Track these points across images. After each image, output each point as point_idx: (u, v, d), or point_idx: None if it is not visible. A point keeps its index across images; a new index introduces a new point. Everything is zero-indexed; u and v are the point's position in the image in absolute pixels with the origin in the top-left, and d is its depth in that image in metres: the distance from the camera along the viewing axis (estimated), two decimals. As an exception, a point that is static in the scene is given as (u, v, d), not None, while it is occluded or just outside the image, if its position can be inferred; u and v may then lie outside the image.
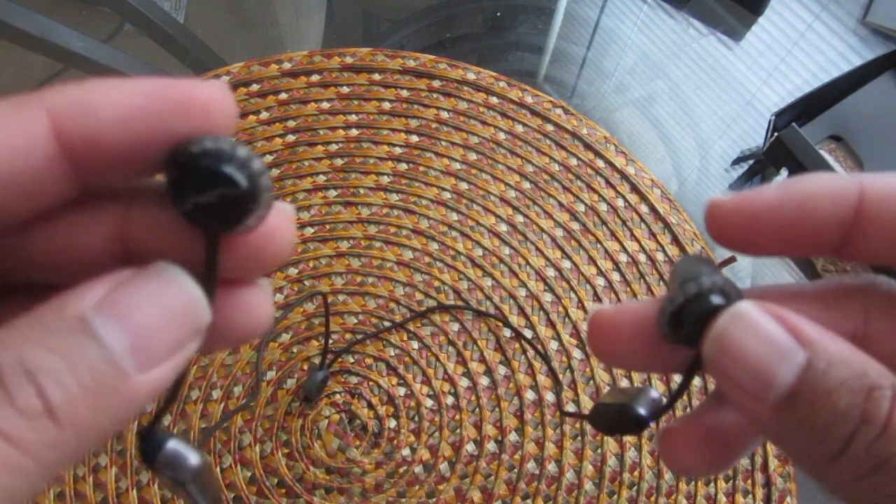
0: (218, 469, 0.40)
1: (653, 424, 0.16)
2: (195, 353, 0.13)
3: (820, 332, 0.13)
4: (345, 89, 0.51)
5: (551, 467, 0.41)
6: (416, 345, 0.43)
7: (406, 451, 0.41)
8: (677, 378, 0.43)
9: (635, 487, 0.40)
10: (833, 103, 0.52)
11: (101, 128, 0.12)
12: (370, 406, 0.42)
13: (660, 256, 0.47)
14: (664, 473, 0.41)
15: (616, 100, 0.57)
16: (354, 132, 0.50)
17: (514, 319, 0.44)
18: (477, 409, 0.42)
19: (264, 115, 0.50)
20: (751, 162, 0.54)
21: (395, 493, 0.40)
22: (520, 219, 0.48)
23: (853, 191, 0.14)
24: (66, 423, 0.11)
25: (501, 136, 0.50)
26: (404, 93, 0.51)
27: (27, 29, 0.52)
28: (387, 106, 0.51)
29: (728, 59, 0.58)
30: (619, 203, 0.48)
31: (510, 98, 0.52)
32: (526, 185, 0.49)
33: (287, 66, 0.52)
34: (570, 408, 0.42)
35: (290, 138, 0.50)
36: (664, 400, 0.16)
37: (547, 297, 0.45)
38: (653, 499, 0.40)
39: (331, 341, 0.43)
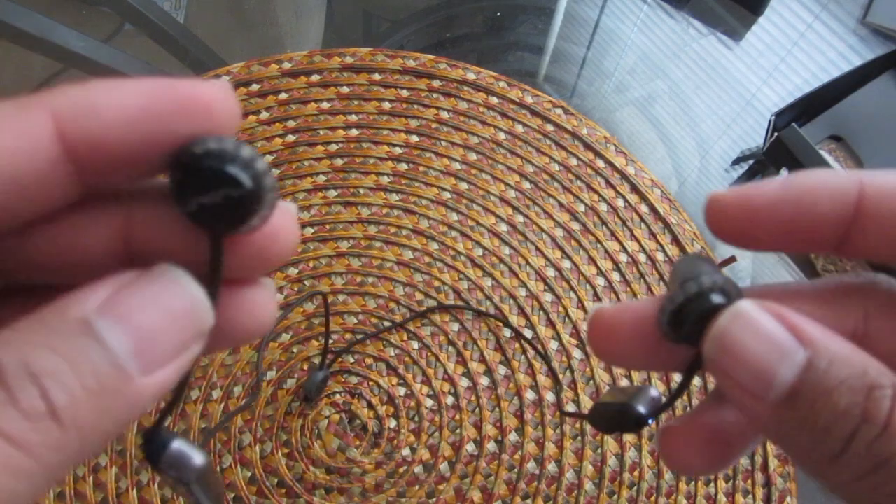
0: (218, 469, 0.40)
1: (652, 423, 0.16)
2: (198, 355, 0.13)
3: (820, 330, 0.13)
4: (345, 89, 0.51)
5: (551, 467, 0.41)
6: (416, 345, 0.43)
7: (406, 451, 0.41)
8: (677, 378, 0.43)
9: (635, 487, 0.40)
10: (833, 103, 0.52)
11: (104, 129, 0.12)
12: (370, 406, 0.42)
13: (660, 256, 0.47)
14: (664, 473, 0.41)
15: (616, 100, 0.57)
16: (354, 132, 0.50)
17: (514, 319, 0.44)
18: (477, 409, 0.42)
19: (264, 115, 0.50)
20: (751, 162, 0.54)
21: (395, 493, 0.40)
22: (520, 219, 0.48)
23: (853, 187, 0.14)
24: (70, 426, 0.11)
25: (501, 136, 0.50)
26: (404, 93, 0.51)
27: (27, 29, 0.52)
28: (387, 106, 0.51)
29: (728, 59, 0.58)
30: (619, 203, 0.48)
31: (510, 98, 0.52)
32: (526, 185, 0.49)
33: (287, 66, 0.52)
34: (570, 408, 0.42)
35: (290, 138, 0.50)
36: (663, 399, 0.16)
37: (547, 297, 0.45)
38: (653, 499, 0.40)
39: (331, 341, 0.43)
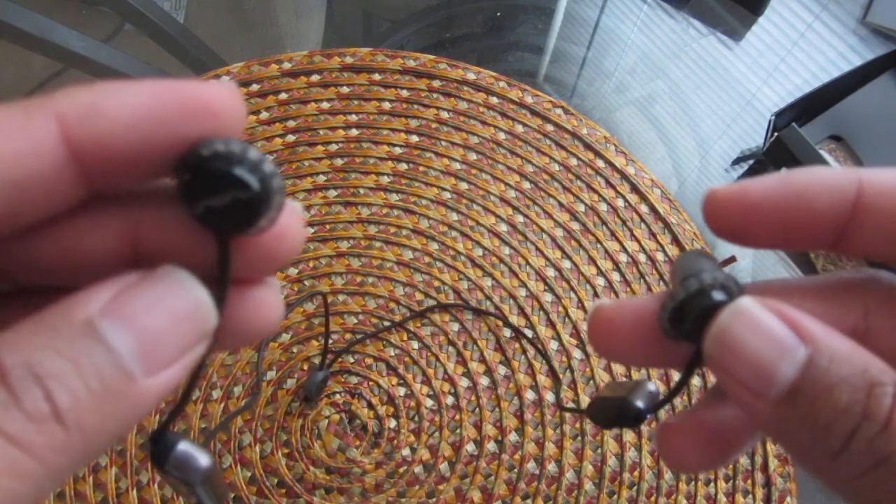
0: (218, 469, 0.40)
1: (651, 418, 0.16)
2: (207, 356, 0.13)
3: (821, 328, 0.13)
4: (345, 89, 0.51)
5: (551, 467, 0.41)
6: (416, 345, 0.43)
7: (406, 451, 0.41)
8: (676, 376, 0.42)
9: (635, 487, 0.40)
10: (833, 103, 0.52)
11: (109, 132, 0.12)
12: (370, 406, 0.42)
13: (660, 256, 0.47)
14: (664, 473, 0.41)
15: (616, 100, 0.57)
16: (354, 132, 0.50)
17: (514, 319, 0.44)
18: (477, 409, 0.42)
19: (264, 115, 0.50)
20: (751, 162, 0.54)
21: (395, 493, 0.40)
22: (520, 219, 0.48)
23: (851, 184, 0.14)
24: (74, 427, 0.11)
25: (501, 136, 0.50)
26: (404, 93, 0.51)
27: (27, 29, 0.52)
28: (387, 106, 0.51)
29: (728, 59, 0.58)
30: (619, 203, 0.48)
31: (510, 98, 0.52)
32: (526, 185, 0.49)
33: (287, 66, 0.52)
34: (570, 414, 0.42)
35: (290, 138, 0.50)
36: (662, 393, 0.16)
37: (547, 297, 0.45)
38: (653, 499, 0.40)
39: (331, 341, 0.43)
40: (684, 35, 0.60)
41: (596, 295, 0.46)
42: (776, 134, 0.49)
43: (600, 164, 0.50)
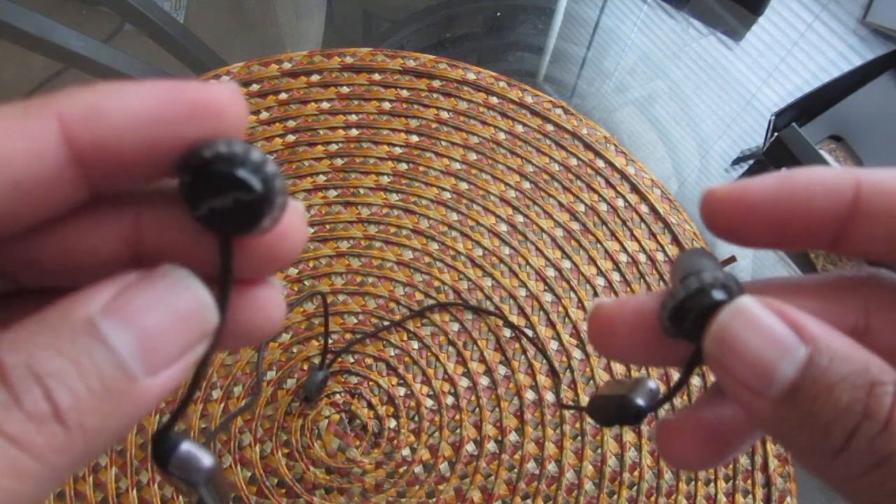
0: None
1: (651, 416, 0.16)
2: (211, 356, 0.13)
3: (822, 327, 0.13)
4: (345, 89, 0.51)
5: (551, 467, 0.41)
6: (416, 345, 0.43)
7: (406, 451, 0.41)
8: (676, 376, 0.42)
9: (635, 487, 0.40)
10: (833, 103, 0.52)
11: (111, 133, 0.12)
12: (370, 406, 0.42)
13: (660, 256, 0.47)
14: (664, 473, 0.41)
15: (616, 100, 0.57)
16: (354, 132, 0.50)
17: (514, 319, 0.44)
18: (477, 409, 0.42)
19: (264, 115, 0.50)
20: (751, 162, 0.54)
21: (395, 493, 0.40)
22: (520, 219, 0.48)
23: (849, 184, 0.14)
24: (75, 427, 0.11)
25: (501, 136, 0.50)
26: (404, 93, 0.51)
27: (27, 29, 0.52)
28: (387, 106, 0.51)
29: (728, 59, 0.58)
30: (619, 203, 0.48)
31: (510, 98, 0.52)
32: (526, 185, 0.49)
33: (287, 66, 0.52)
34: (570, 412, 0.42)
35: (290, 138, 0.50)
36: (661, 391, 0.16)
37: (547, 297, 0.45)
38: (653, 499, 0.40)
39: (331, 341, 0.43)
40: (684, 35, 0.60)
41: (596, 295, 0.46)
42: (776, 134, 0.49)
43: (600, 164, 0.50)
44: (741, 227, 0.15)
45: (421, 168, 0.49)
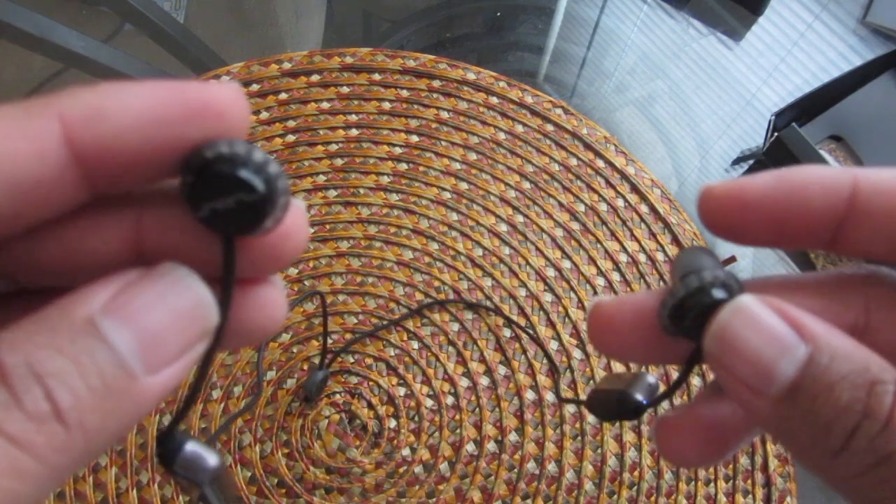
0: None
1: (651, 412, 0.16)
2: (212, 356, 0.13)
3: (822, 326, 0.13)
4: (345, 89, 0.51)
5: (551, 467, 0.41)
6: (416, 345, 0.43)
7: (406, 451, 0.41)
8: (675, 375, 0.42)
9: (635, 487, 0.40)
10: (833, 103, 0.52)
11: (113, 135, 0.11)
12: (370, 406, 0.42)
13: (660, 256, 0.47)
14: (664, 473, 0.41)
15: (616, 100, 0.57)
16: (354, 132, 0.50)
17: (514, 319, 0.44)
18: (477, 409, 0.42)
19: (264, 115, 0.50)
20: (751, 162, 0.54)
21: (395, 493, 0.40)
22: (520, 219, 0.47)
23: (846, 183, 0.14)
24: (75, 427, 0.11)
25: (501, 136, 0.50)
26: (404, 93, 0.51)
27: (27, 29, 0.52)
28: (387, 106, 0.51)
29: (728, 59, 0.58)
30: (619, 203, 0.48)
31: (510, 98, 0.52)
32: (526, 185, 0.49)
33: (287, 66, 0.52)
34: (570, 412, 0.42)
35: (290, 138, 0.50)
36: (661, 386, 0.16)
37: (547, 297, 0.45)
38: (653, 499, 0.40)
39: (331, 341, 0.43)
40: (684, 35, 0.60)
41: (596, 295, 0.46)
42: (776, 134, 0.49)
43: (600, 164, 0.50)
44: (738, 224, 0.15)
45: (421, 168, 0.49)
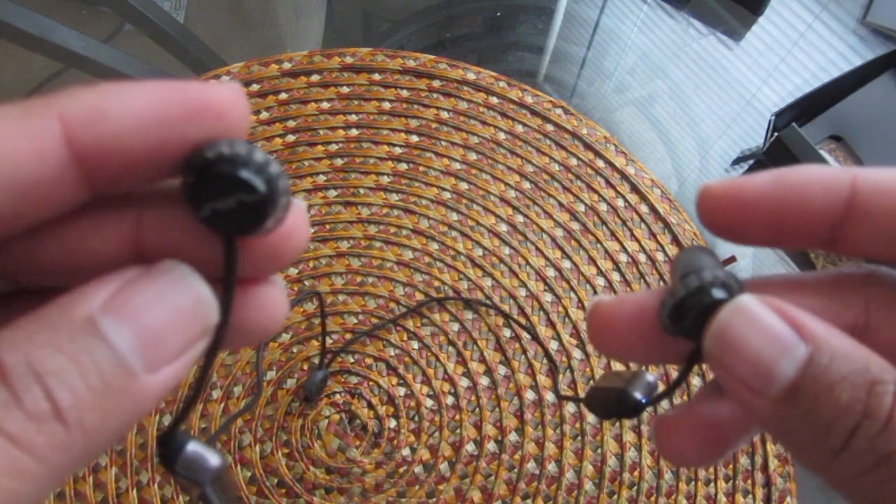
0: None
1: (650, 411, 0.16)
2: (216, 356, 0.13)
3: (822, 326, 0.13)
4: (345, 89, 0.51)
5: (551, 467, 0.41)
6: (416, 345, 0.43)
7: (406, 451, 0.41)
8: (675, 374, 0.42)
9: (635, 487, 0.40)
10: (833, 103, 0.52)
11: (114, 135, 0.11)
12: (370, 406, 0.42)
13: (660, 256, 0.47)
14: (664, 473, 0.41)
15: (616, 100, 0.57)
16: (354, 132, 0.50)
17: (513, 316, 0.44)
18: (477, 409, 0.42)
19: (264, 115, 0.50)
20: (751, 162, 0.54)
21: (395, 493, 0.40)
22: (520, 219, 0.47)
23: (845, 182, 0.14)
24: (75, 426, 0.11)
25: (501, 136, 0.50)
26: (404, 93, 0.51)
27: (27, 29, 0.52)
28: (387, 106, 0.51)
29: (728, 59, 0.58)
30: (619, 203, 0.48)
31: (510, 98, 0.52)
32: (526, 185, 0.49)
33: (287, 66, 0.52)
34: (570, 412, 0.42)
35: (290, 138, 0.50)
36: (660, 384, 0.16)
37: (547, 297, 0.45)
38: (653, 499, 0.40)
39: (332, 341, 0.43)
40: (684, 35, 0.60)
41: (596, 295, 0.46)
42: (776, 134, 0.49)
43: (600, 164, 0.50)
44: (737, 224, 0.15)
45: (421, 168, 0.49)
